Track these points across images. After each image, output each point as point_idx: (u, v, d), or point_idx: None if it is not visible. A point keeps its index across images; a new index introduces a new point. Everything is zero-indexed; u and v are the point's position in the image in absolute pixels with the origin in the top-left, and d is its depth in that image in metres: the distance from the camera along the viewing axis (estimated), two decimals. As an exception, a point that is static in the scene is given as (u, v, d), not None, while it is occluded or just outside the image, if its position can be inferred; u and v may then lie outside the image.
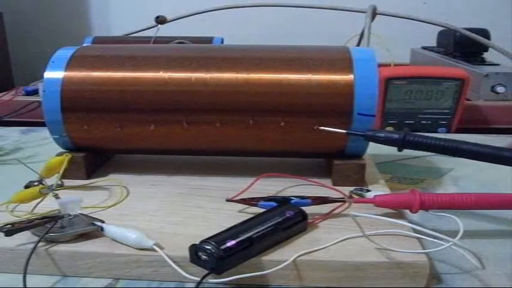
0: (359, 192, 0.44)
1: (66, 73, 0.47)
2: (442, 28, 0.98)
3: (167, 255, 0.33)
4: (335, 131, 0.44)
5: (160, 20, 0.88)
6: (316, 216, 0.39)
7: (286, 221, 0.36)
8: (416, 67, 0.95)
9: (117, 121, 0.47)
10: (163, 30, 0.88)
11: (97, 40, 0.94)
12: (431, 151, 0.43)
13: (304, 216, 0.37)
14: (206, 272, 0.31)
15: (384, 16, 0.87)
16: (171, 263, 0.33)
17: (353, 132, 0.44)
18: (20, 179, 0.45)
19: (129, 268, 0.35)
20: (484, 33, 0.89)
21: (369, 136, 0.44)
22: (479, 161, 0.41)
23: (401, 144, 0.43)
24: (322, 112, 0.45)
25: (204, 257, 0.32)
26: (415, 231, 0.36)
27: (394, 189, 0.50)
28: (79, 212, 0.38)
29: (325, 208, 0.40)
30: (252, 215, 0.37)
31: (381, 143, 0.43)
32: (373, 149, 0.48)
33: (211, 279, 0.33)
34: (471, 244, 0.35)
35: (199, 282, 0.31)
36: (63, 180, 0.44)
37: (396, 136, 0.43)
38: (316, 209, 0.39)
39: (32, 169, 0.45)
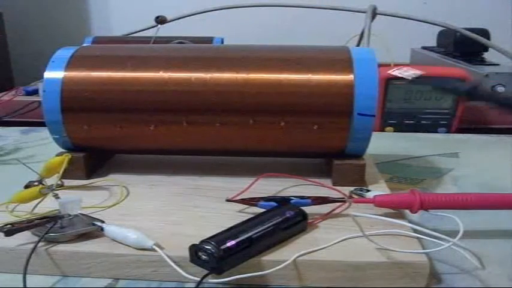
0: (359, 192, 0.44)
1: (66, 73, 0.47)
2: (442, 28, 0.98)
3: (167, 255, 0.33)
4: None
5: (160, 20, 0.88)
6: (316, 216, 0.39)
7: (286, 221, 0.36)
8: (416, 67, 0.95)
9: (117, 121, 0.47)
10: (163, 30, 0.88)
11: (97, 40, 0.94)
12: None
13: (304, 216, 0.37)
14: (206, 272, 0.31)
15: (383, 16, 0.87)
16: (171, 263, 0.33)
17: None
18: (20, 179, 0.45)
19: (129, 268, 0.35)
20: (484, 33, 0.89)
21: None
22: None
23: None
24: (322, 112, 0.45)
25: (204, 257, 0.32)
26: (415, 231, 0.36)
27: (394, 189, 0.50)
28: (79, 212, 0.38)
29: (325, 208, 0.40)
30: (252, 215, 0.37)
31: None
32: (373, 149, 0.48)
33: (211, 279, 0.33)
34: (471, 244, 0.35)
35: (199, 282, 0.31)
36: (63, 180, 0.44)
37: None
38: (316, 209, 0.39)
39: (32, 169, 0.46)
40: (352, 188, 0.45)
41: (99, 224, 0.37)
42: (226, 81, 0.46)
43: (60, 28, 1.32)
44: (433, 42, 1.07)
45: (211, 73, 0.46)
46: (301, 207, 0.38)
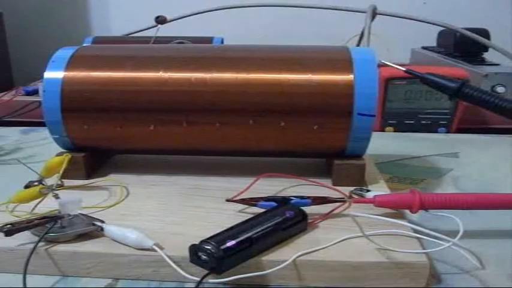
0: (359, 192, 0.44)
1: (66, 73, 0.47)
2: (442, 28, 0.98)
3: (167, 255, 0.33)
4: (395, 67, 0.46)
5: (160, 20, 0.88)
6: (316, 216, 0.39)
7: (286, 221, 0.36)
8: (416, 67, 0.95)
9: (117, 121, 0.47)
10: (163, 30, 0.88)
11: (97, 40, 0.94)
12: (484, 107, 0.44)
13: (304, 216, 0.37)
14: (206, 272, 0.31)
15: (384, 16, 0.87)
16: (171, 263, 0.33)
17: (412, 72, 0.46)
18: (20, 179, 0.45)
19: (129, 268, 0.35)
20: (484, 33, 0.89)
21: (426, 78, 0.45)
22: None
23: (455, 94, 0.43)
24: (322, 112, 0.45)
25: (204, 257, 0.32)
26: (415, 231, 0.36)
27: (394, 189, 0.50)
28: (79, 212, 0.38)
29: (325, 208, 0.40)
30: (252, 215, 0.37)
31: (436, 89, 0.45)
32: (373, 149, 0.48)
33: (211, 279, 0.33)
34: (471, 244, 0.35)
35: (199, 282, 0.31)
36: (63, 180, 0.44)
37: (452, 85, 0.44)
38: (316, 209, 0.39)
39: (32, 169, 0.45)
40: (352, 188, 0.45)
41: (99, 224, 0.37)
42: (226, 81, 0.46)
43: (60, 28, 1.32)
44: (433, 42, 1.07)
45: (211, 73, 0.46)
46: (301, 207, 0.38)
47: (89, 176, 0.49)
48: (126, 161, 0.54)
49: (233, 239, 0.32)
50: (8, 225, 0.35)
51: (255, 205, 0.40)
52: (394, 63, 0.49)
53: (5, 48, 1.15)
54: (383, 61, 0.45)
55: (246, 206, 0.41)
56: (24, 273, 0.32)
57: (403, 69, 0.46)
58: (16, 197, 0.40)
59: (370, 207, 0.40)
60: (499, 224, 0.43)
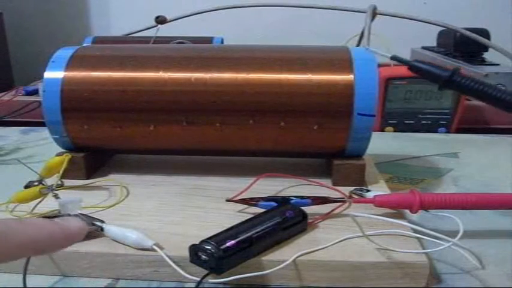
0: (359, 192, 0.44)
1: (66, 73, 0.47)
2: (442, 28, 0.98)
3: (167, 255, 0.33)
4: (382, 53, 0.46)
5: (160, 20, 0.88)
6: (316, 216, 0.39)
7: (286, 221, 0.36)
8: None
9: (117, 121, 0.47)
10: (163, 30, 0.88)
11: (97, 40, 0.94)
12: (476, 97, 0.42)
13: (304, 216, 0.37)
14: (206, 272, 0.31)
15: (384, 16, 0.87)
16: (171, 263, 0.33)
17: (399, 58, 0.45)
18: (20, 179, 0.45)
19: (129, 268, 0.35)
20: (484, 33, 0.89)
21: (415, 66, 0.44)
22: None
23: (446, 83, 0.42)
24: (322, 112, 0.45)
25: (204, 257, 0.32)
26: (415, 231, 0.36)
27: (394, 189, 0.50)
28: (79, 212, 0.38)
29: (325, 208, 0.40)
30: (252, 215, 0.37)
31: (425, 78, 0.43)
32: (373, 149, 0.48)
33: (211, 279, 0.33)
34: (471, 244, 0.35)
35: (199, 282, 0.31)
36: (63, 180, 0.44)
37: (443, 73, 0.42)
38: (316, 209, 0.39)
39: (32, 169, 0.45)
40: (352, 188, 0.45)
41: (99, 224, 0.37)
42: (226, 81, 0.46)
43: (60, 28, 1.32)
44: (433, 42, 1.07)
45: (211, 73, 0.46)
46: (301, 207, 0.38)
47: (89, 176, 0.49)
48: (126, 161, 0.54)
49: (233, 239, 0.32)
50: (8, 225, 0.35)
51: (255, 205, 0.40)
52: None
53: (5, 48, 1.15)
54: (371, 48, 0.44)
55: (246, 206, 0.41)
56: (24, 273, 0.32)
57: (388, 55, 0.45)
58: (16, 197, 0.40)
59: (370, 207, 0.40)
60: (499, 224, 0.43)
